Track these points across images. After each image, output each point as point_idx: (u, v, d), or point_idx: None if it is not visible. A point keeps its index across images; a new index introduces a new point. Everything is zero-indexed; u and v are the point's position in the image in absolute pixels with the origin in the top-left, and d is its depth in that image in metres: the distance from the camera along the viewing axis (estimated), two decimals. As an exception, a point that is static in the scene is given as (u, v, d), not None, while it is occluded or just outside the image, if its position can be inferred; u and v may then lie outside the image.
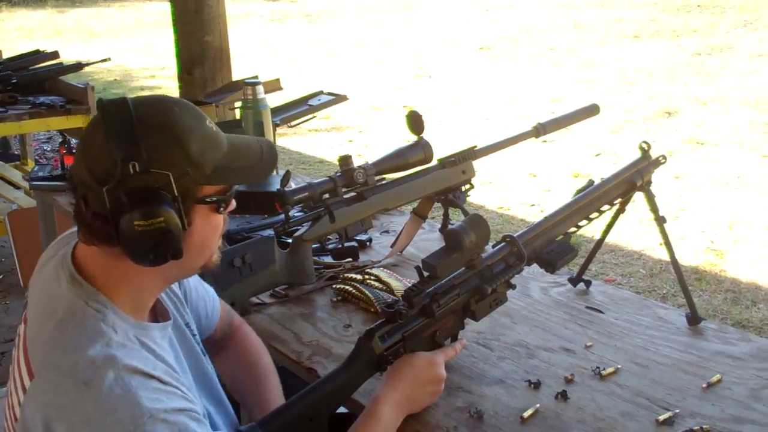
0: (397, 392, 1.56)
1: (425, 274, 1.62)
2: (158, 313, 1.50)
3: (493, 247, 1.75)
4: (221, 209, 1.38)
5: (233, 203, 1.42)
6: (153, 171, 1.25)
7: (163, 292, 1.54)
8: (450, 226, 1.76)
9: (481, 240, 1.64)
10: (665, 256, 5.00)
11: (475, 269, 1.69)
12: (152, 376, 1.26)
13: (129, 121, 1.25)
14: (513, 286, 1.77)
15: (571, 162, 6.82)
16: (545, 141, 7.30)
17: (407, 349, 1.62)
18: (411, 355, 1.61)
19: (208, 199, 1.35)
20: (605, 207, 1.95)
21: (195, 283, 1.72)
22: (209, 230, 1.39)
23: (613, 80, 9.78)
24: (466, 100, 9.48)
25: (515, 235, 1.74)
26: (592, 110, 2.43)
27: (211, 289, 1.79)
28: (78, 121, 4.76)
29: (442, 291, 1.65)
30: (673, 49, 11.34)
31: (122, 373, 1.23)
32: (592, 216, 1.93)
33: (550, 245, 1.82)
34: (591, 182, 1.97)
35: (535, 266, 2.29)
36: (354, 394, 1.60)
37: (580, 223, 1.91)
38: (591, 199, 1.91)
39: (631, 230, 5.28)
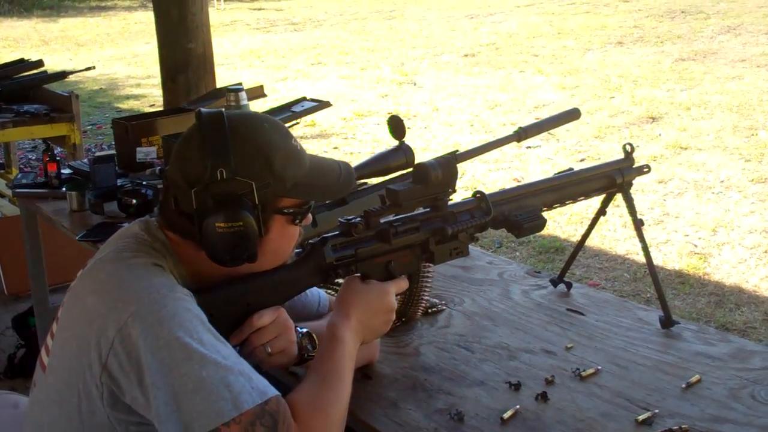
0: (352, 319, 1.57)
1: (387, 202, 1.66)
2: None
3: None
4: (297, 221, 1.51)
5: (310, 217, 1.55)
6: (238, 179, 1.39)
7: None
8: None
9: (447, 178, 1.68)
10: (649, 260, 5.01)
11: (440, 212, 1.71)
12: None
13: (222, 131, 1.40)
14: (475, 239, 1.78)
15: (556, 167, 6.83)
16: (530, 147, 7.33)
17: (359, 269, 1.63)
18: (363, 283, 1.63)
19: (285, 211, 1.48)
20: (581, 198, 1.95)
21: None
22: (284, 239, 1.52)
23: (597, 86, 9.81)
24: (450, 106, 9.50)
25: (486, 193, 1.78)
26: (573, 114, 2.44)
27: (314, 290, 1.87)
28: (62, 130, 4.75)
29: (401, 220, 1.67)
30: (657, 54, 11.40)
31: (158, 267, 1.40)
32: (566, 201, 1.94)
33: (519, 211, 1.82)
34: (571, 169, 1.99)
35: (517, 269, 2.32)
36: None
37: (554, 205, 1.91)
38: (568, 182, 1.92)
39: (615, 235, 5.31)
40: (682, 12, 14.33)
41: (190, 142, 1.44)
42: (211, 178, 1.38)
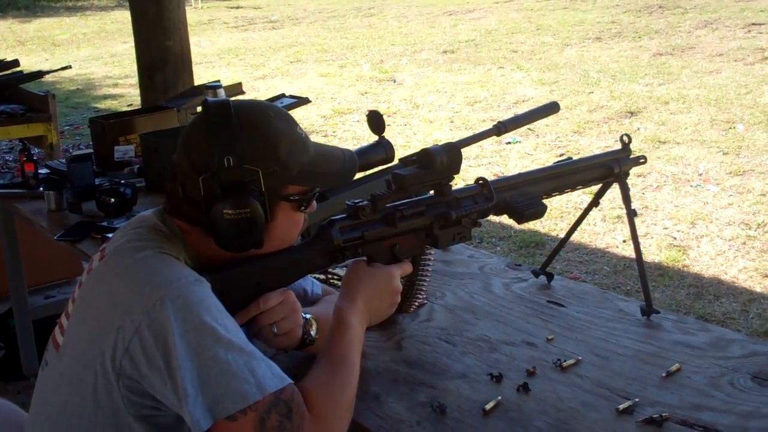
0: (359, 302, 1.60)
1: (393, 187, 1.68)
2: None
3: None
4: (303, 208, 1.52)
5: (314, 204, 1.57)
6: (245, 166, 1.41)
7: None
8: None
9: (452, 164, 1.71)
10: (629, 253, 5.07)
11: (444, 197, 1.73)
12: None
13: (228, 120, 1.41)
14: (478, 224, 1.81)
15: (536, 163, 6.87)
16: (509, 142, 7.35)
17: (365, 252, 1.65)
18: (369, 267, 1.65)
19: (291, 197, 1.49)
20: (579, 187, 1.97)
21: None
22: (290, 226, 1.53)
23: (576, 81, 9.85)
24: (430, 103, 9.51)
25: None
26: (551, 108, 2.44)
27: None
28: (39, 130, 4.71)
29: (407, 204, 1.69)
30: (635, 50, 11.46)
31: (178, 259, 1.42)
32: (565, 190, 1.95)
33: (521, 198, 1.85)
34: (569, 158, 2.02)
35: (497, 263, 2.32)
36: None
37: (553, 193, 1.93)
38: (567, 170, 1.94)
39: (595, 228, 5.33)
40: (660, 7, 14.41)
41: (197, 131, 1.45)
42: (218, 166, 1.39)
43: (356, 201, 1.65)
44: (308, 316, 1.68)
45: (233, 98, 1.51)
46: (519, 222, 1.86)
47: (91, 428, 1.37)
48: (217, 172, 1.40)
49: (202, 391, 1.26)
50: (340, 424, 1.42)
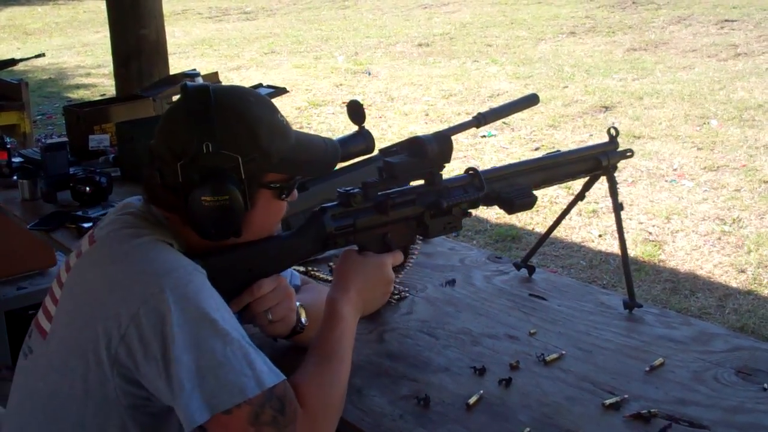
0: (351, 292, 1.58)
1: (384, 175, 1.67)
2: None
3: None
4: (283, 196, 1.49)
5: (295, 193, 1.54)
6: (224, 153, 1.38)
7: None
8: None
9: (443, 152, 1.71)
10: (604, 247, 5.06)
11: (435, 186, 1.73)
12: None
13: (208, 105, 1.39)
14: (469, 215, 1.81)
15: (511, 156, 6.87)
16: (484, 136, 7.35)
17: (357, 240, 1.64)
18: (360, 256, 1.64)
19: (272, 185, 1.47)
20: (568, 179, 1.97)
21: None
22: (270, 214, 1.51)
23: (550, 76, 9.86)
24: (405, 96, 9.49)
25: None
26: (531, 100, 2.44)
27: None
28: (12, 118, 4.66)
29: (398, 192, 1.68)
30: (609, 45, 11.49)
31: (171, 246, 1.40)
32: (554, 182, 1.96)
33: (510, 188, 1.84)
34: (558, 151, 2.01)
35: (478, 255, 2.31)
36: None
37: (542, 185, 1.92)
38: (556, 162, 1.94)
39: (571, 223, 5.34)
40: (633, 2, 14.45)
41: (176, 116, 1.44)
42: (197, 152, 1.37)
43: (348, 188, 1.63)
44: (297, 303, 1.66)
45: (217, 85, 1.48)
46: (509, 212, 1.86)
47: (80, 417, 1.34)
48: (195, 158, 1.37)
49: (200, 384, 1.24)
50: (330, 419, 1.41)
